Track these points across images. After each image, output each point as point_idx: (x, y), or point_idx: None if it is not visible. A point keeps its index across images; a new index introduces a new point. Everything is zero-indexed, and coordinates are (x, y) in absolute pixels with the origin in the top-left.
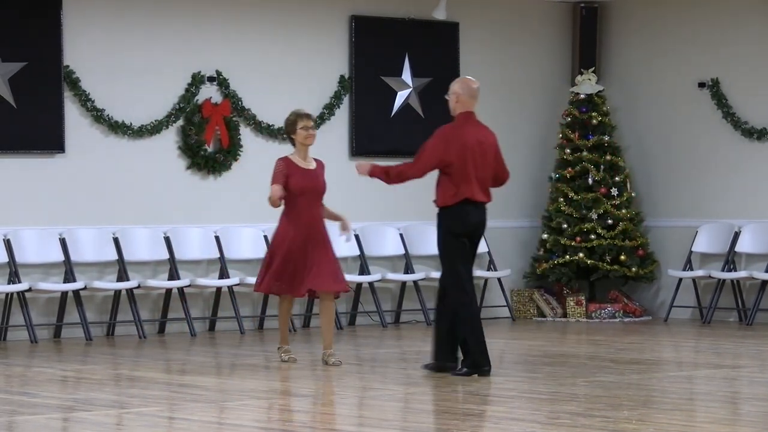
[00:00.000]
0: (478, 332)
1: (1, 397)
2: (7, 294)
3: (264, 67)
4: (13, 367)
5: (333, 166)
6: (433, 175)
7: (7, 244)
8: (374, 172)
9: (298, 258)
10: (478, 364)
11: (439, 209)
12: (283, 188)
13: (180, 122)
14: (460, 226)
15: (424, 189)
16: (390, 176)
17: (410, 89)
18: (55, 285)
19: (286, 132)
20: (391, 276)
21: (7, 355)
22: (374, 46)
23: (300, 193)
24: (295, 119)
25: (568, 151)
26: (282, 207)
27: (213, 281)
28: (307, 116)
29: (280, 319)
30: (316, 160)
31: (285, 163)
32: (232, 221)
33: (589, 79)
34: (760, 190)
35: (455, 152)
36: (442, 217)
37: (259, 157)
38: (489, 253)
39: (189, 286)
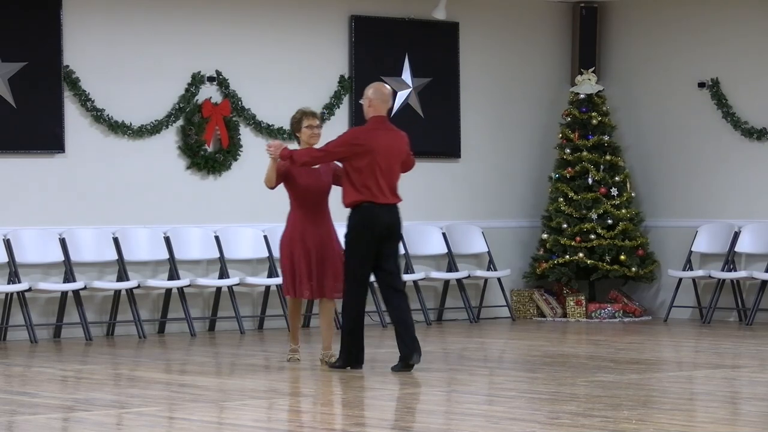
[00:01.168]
0: (359, 332)
1: (1, 397)
2: (7, 294)
3: (264, 67)
4: (13, 367)
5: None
6: (431, 176)
7: (7, 244)
8: (283, 155)
9: (311, 258)
10: (350, 362)
11: (349, 209)
12: (280, 177)
13: (180, 122)
14: (366, 227)
15: (423, 190)
16: (294, 162)
17: (410, 89)
18: (55, 285)
19: (292, 130)
20: None
21: (7, 354)
22: (374, 46)
23: (306, 192)
24: (300, 117)
25: (568, 150)
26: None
27: (213, 281)
28: (313, 114)
29: (292, 319)
30: None
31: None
32: (231, 221)
33: (589, 79)
34: (760, 190)
35: (360, 154)
36: (349, 217)
37: (259, 157)
38: (489, 253)
39: (189, 286)
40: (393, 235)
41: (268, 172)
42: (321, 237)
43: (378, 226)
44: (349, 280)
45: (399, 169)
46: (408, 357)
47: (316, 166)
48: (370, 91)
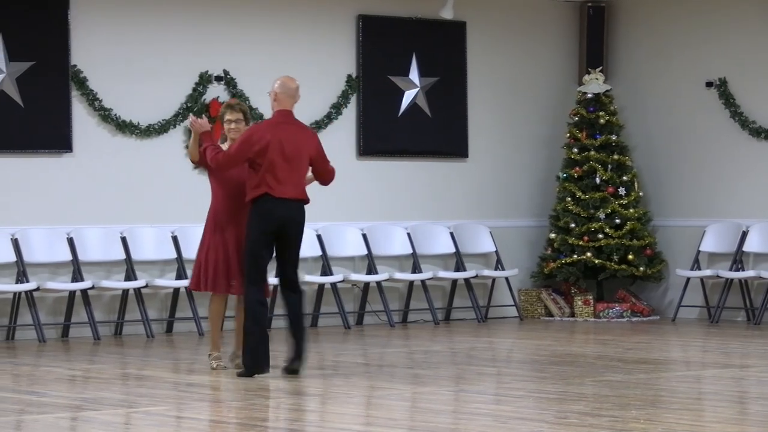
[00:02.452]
0: (265, 334)
1: (10, 396)
2: (15, 293)
3: (271, 67)
4: (21, 367)
5: (340, 166)
6: (438, 176)
7: (15, 243)
8: (202, 137)
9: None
10: (253, 365)
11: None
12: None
13: (187, 122)
14: (263, 221)
15: (431, 189)
16: (205, 153)
17: (417, 89)
18: (63, 284)
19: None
20: (399, 275)
21: (15, 354)
22: (381, 45)
23: (223, 186)
24: (223, 111)
25: (576, 150)
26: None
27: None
28: (232, 108)
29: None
30: None
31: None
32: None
33: (597, 79)
34: (767, 190)
35: (260, 149)
36: (250, 212)
37: None
38: (496, 252)
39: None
40: (288, 231)
41: (191, 147)
42: (231, 233)
43: (272, 220)
44: (245, 276)
45: (304, 166)
46: (291, 361)
47: None
48: (276, 84)
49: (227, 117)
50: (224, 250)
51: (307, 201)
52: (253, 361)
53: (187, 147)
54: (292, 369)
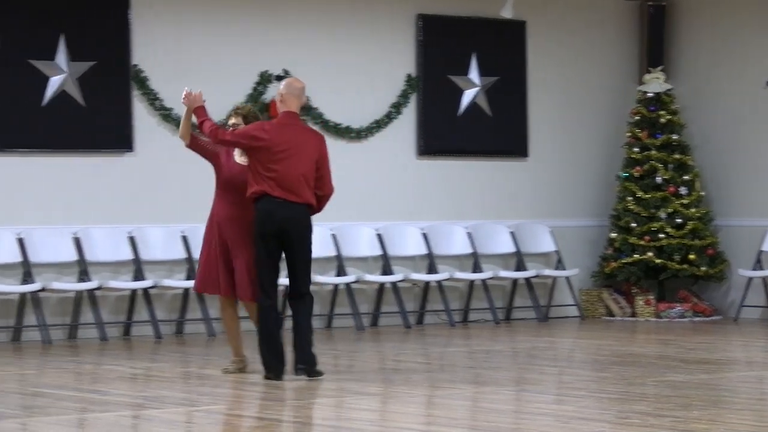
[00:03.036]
0: (274, 339)
1: (72, 395)
2: (77, 292)
3: (331, 66)
4: (84, 365)
5: (400, 166)
6: (499, 175)
7: (77, 242)
8: (197, 112)
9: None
10: (266, 370)
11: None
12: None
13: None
14: (263, 222)
15: (491, 188)
16: (203, 127)
17: (477, 88)
18: (125, 283)
19: None
20: (459, 275)
21: (77, 352)
22: (441, 44)
23: (226, 186)
24: (229, 114)
25: (637, 149)
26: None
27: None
28: (235, 113)
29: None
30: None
31: (225, 151)
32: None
33: (657, 78)
34: None
35: (258, 148)
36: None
37: None
38: (557, 251)
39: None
40: (290, 233)
41: (182, 124)
42: (229, 236)
43: (273, 221)
44: (258, 280)
45: (309, 169)
46: (299, 362)
47: (244, 162)
48: (282, 85)
49: (231, 121)
50: (218, 251)
51: (310, 205)
52: (266, 366)
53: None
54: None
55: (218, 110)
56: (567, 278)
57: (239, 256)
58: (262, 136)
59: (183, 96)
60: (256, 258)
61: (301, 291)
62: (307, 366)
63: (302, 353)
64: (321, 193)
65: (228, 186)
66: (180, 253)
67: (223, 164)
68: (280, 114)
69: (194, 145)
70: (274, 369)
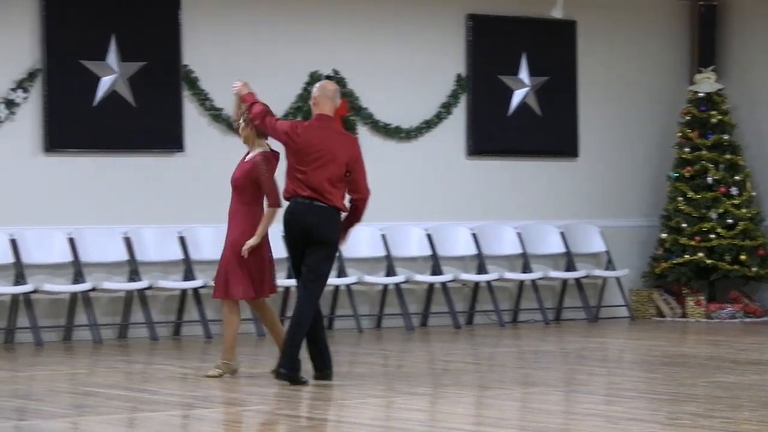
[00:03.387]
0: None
1: (122, 394)
2: (127, 292)
3: (381, 66)
4: (134, 365)
5: (449, 166)
6: (549, 176)
7: (127, 242)
8: (244, 98)
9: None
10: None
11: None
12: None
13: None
14: (287, 223)
15: (541, 189)
16: (252, 110)
17: (527, 88)
18: (175, 283)
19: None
20: (508, 275)
21: (128, 352)
22: (491, 44)
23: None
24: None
25: (687, 149)
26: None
27: (331, 279)
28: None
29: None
30: (262, 153)
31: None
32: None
33: (708, 78)
34: None
35: (293, 148)
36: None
37: (376, 156)
38: (607, 252)
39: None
40: (310, 234)
41: (234, 110)
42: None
43: (295, 223)
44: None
45: (337, 173)
46: (319, 369)
47: (247, 159)
48: (314, 89)
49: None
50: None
51: (337, 207)
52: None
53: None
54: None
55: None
56: (617, 279)
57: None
58: (294, 138)
59: (236, 89)
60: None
61: (308, 287)
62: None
63: (284, 353)
64: (356, 196)
65: (234, 186)
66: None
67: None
68: (314, 116)
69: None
70: (319, 367)
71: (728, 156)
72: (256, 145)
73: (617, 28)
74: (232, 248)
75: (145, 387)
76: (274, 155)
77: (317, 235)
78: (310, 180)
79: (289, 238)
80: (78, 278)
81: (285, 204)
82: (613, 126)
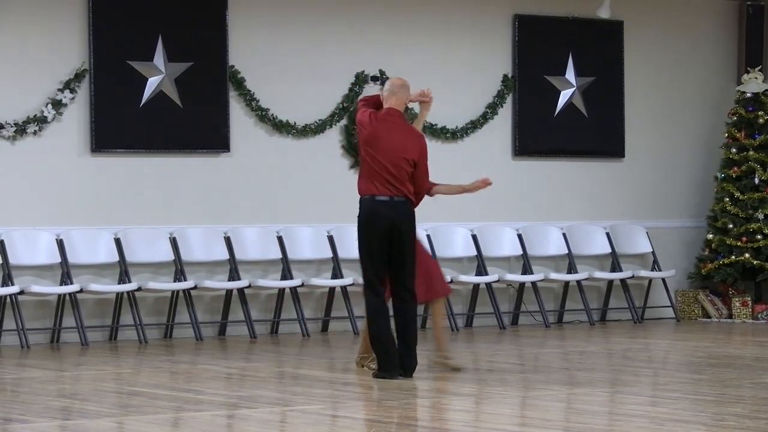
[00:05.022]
0: (385, 337)
1: (167, 394)
2: (173, 292)
3: (427, 67)
4: (179, 365)
5: (495, 166)
6: (595, 176)
7: (173, 242)
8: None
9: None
10: (384, 368)
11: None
12: None
13: (343, 121)
14: (366, 222)
15: (587, 189)
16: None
17: (574, 88)
18: (220, 283)
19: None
20: (554, 276)
21: (173, 352)
22: (538, 45)
23: None
24: None
25: (734, 150)
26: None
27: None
28: None
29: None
30: None
31: None
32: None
33: (756, 78)
34: None
35: (365, 139)
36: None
37: None
38: (653, 253)
39: (352, 284)
40: (395, 233)
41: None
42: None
43: (377, 222)
44: (364, 280)
45: (408, 166)
46: (403, 368)
47: None
48: (386, 85)
49: None
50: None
51: (411, 202)
52: (382, 367)
53: (344, 147)
54: (397, 376)
55: (314, 110)
56: (663, 279)
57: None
58: (365, 125)
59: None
60: (361, 257)
61: (402, 293)
62: (397, 369)
63: (400, 356)
64: (417, 190)
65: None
66: (275, 254)
67: None
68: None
69: None
70: (391, 367)
71: None
72: None
73: (664, 28)
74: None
75: (190, 387)
76: None
77: (400, 234)
78: (390, 177)
79: (368, 237)
80: (123, 278)
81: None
82: (660, 126)
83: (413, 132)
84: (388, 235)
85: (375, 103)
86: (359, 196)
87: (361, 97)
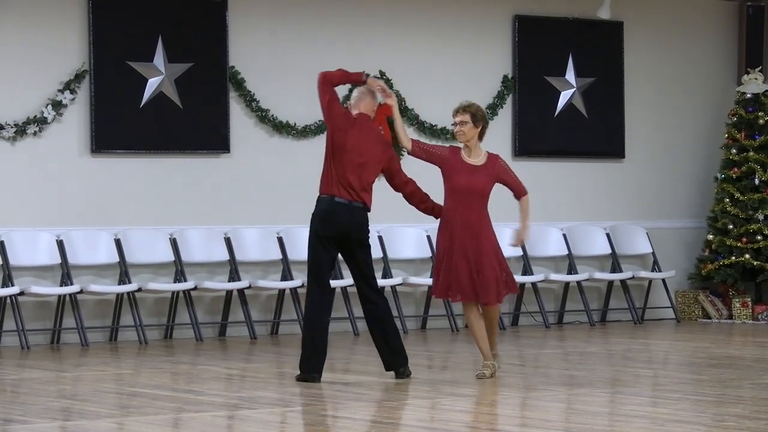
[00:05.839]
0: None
1: (168, 395)
2: (173, 293)
3: (427, 67)
4: (179, 365)
5: None
6: (595, 177)
7: (173, 243)
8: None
9: (461, 263)
10: (303, 370)
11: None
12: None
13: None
14: (320, 221)
15: (587, 190)
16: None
17: (574, 89)
18: (220, 284)
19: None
20: (554, 276)
21: (173, 352)
22: (538, 45)
23: (454, 191)
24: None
25: (734, 151)
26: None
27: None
28: (457, 110)
29: (472, 331)
30: (490, 155)
31: (450, 152)
32: (396, 221)
33: (756, 79)
34: None
35: (334, 131)
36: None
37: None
38: (653, 253)
39: (352, 285)
40: (351, 237)
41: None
42: (466, 241)
43: (333, 225)
44: (308, 279)
45: (374, 169)
46: (390, 367)
47: (479, 163)
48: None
49: (453, 120)
50: (467, 263)
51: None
52: (303, 367)
53: None
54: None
55: (314, 111)
56: (663, 280)
57: (479, 257)
58: (337, 120)
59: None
60: (309, 256)
61: (370, 292)
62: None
63: (395, 353)
64: (400, 190)
65: (456, 191)
66: (275, 254)
67: (453, 172)
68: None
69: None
70: (314, 369)
71: None
72: (478, 147)
73: (664, 29)
74: (496, 255)
75: (190, 387)
76: None
77: (355, 239)
78: (354, 180)
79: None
80: (124, 279)
81: None
82: (660, 127)
83: (382, 141)
84: (343, 238)
85: (338, 80)
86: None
87: (324, 72)
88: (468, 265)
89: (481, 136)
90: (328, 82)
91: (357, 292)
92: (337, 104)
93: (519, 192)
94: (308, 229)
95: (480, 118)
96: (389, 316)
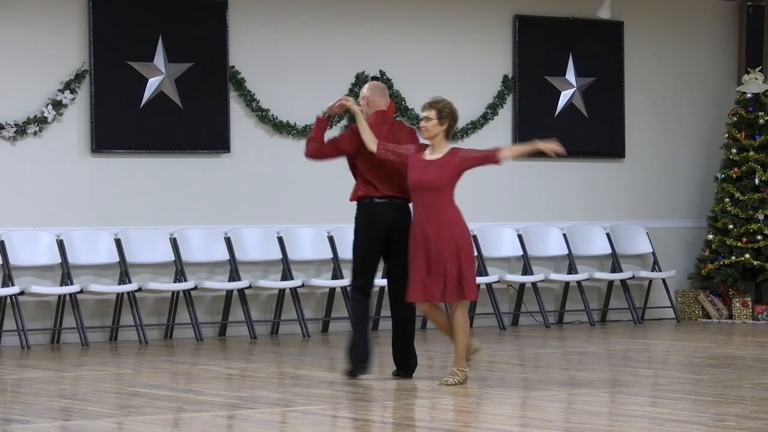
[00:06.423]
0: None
1: (168, 395)
2: (173, 293)
3: (427, 67)
4: (179, 365)
5: (495, 167)
6: (595, 176)
7: (174, 243)
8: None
9: (421, 262)
10: (350, 364)
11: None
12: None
13: (344, 122)
14: (366, 223)
15: (587, 190)
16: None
17: (574, 89)
18: (221, 284)
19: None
20: (554, 276)
21: (173, 352)
22: (538, 45)
23: (410, 188)
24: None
25: (735, 150)
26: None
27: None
28: (424, 105)
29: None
30: (452, 149)
31: (416, 149)
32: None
33: (756, 78)
34: None
35: (358, 146)
36: (356, 213)
37: None
38: (653, 253)
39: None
40: (397, 232)
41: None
42: (425, 241)
43: (378, 223)
44: (352, 278)
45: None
46: (400, 368)
47: (436, 157)
48: (364, 90)
49: (423, 114)
50: (427, 262)
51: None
52: (350, 361)
53: None
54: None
55: (314, 111)
56: (663, 280)
57: (437, 256)
58: (355, 137)
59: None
60: (354, 257)
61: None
62: (402, 369)
63: (403, 355)
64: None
65: (414, 188)
66: (276, 254)
67: (410, 169)
68: (370, 116)
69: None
70: (360, 363)
71: None
72: (443, 144)
73: (665, 29)
74: (463, 250)
75: (190, 387)
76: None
77: (402, 234)
78: (386, 179)
79: (368, 238)
80: (124, 279)
81: None
82: (660, 127)
83: (404, 128)
84: (388, 234)
85: (314, 141)
86: (354, 198)
87: (305, 151)
88: (426, 263)
89: (447, 134)
90: (315, 149)
91: (390, 291)
92: (343, 140)
93: (491, 157)
94: (308, 228)
95: (446, 115)
96: (414, 318)
